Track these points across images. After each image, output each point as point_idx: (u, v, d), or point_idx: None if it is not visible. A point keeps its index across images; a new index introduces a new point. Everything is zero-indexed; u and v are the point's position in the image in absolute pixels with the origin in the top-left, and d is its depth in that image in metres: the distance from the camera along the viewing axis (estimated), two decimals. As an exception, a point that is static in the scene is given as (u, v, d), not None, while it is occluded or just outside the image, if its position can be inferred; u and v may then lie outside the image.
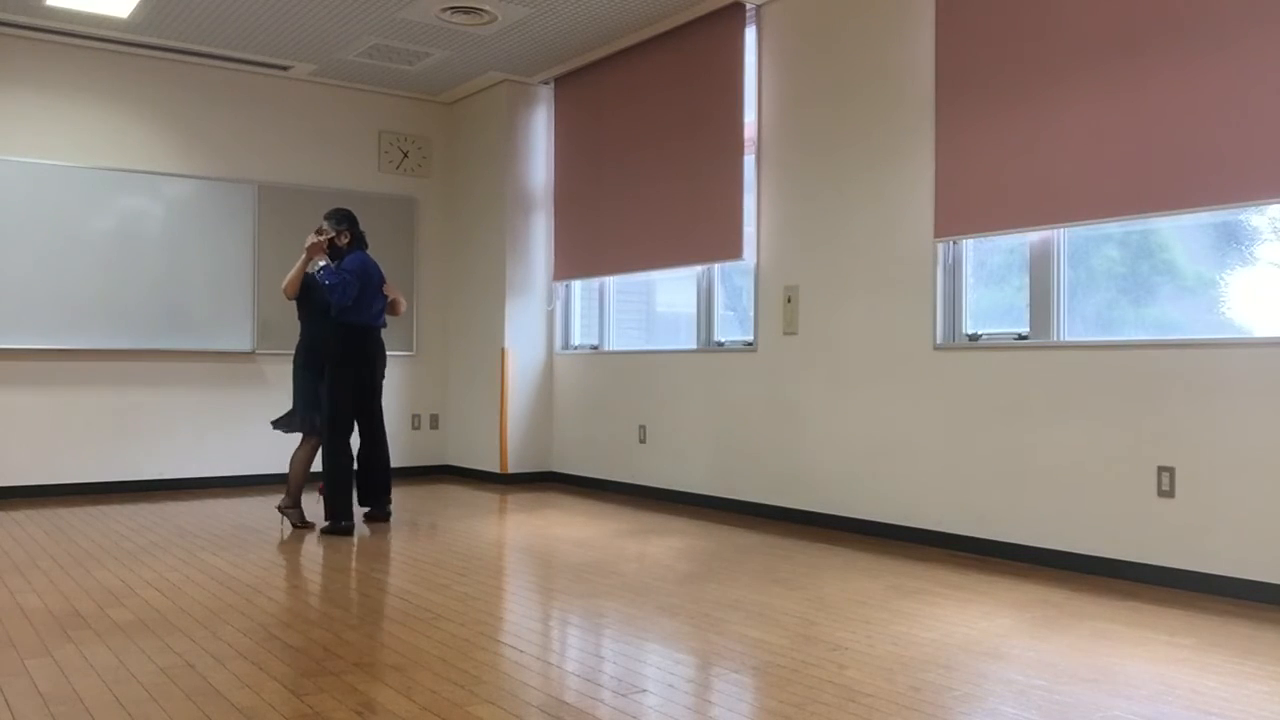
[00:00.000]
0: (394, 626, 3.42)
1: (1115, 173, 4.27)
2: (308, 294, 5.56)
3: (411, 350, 8.01)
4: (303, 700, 2.66)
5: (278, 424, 5.64)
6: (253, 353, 7.42)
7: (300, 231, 7.55)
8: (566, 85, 7.57)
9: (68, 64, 6.85)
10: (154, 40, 6.75)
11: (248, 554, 4.73)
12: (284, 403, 7.51)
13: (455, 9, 6.13)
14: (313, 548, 4.91)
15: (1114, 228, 4.44)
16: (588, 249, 7.30)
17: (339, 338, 5.46)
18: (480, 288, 7.83)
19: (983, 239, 4.87)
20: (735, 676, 2.89)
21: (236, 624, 3.45)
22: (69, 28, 6.50)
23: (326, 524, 5.37)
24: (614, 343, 7.39)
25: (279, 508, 5.52)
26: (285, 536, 5.25)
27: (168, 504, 6.42)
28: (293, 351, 7.36)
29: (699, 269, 6.55)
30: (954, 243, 5.03)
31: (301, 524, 5.49)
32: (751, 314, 6.09)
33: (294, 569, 4.39)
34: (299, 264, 5.48)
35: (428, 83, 7.73)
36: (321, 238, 5.48)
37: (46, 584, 4.07)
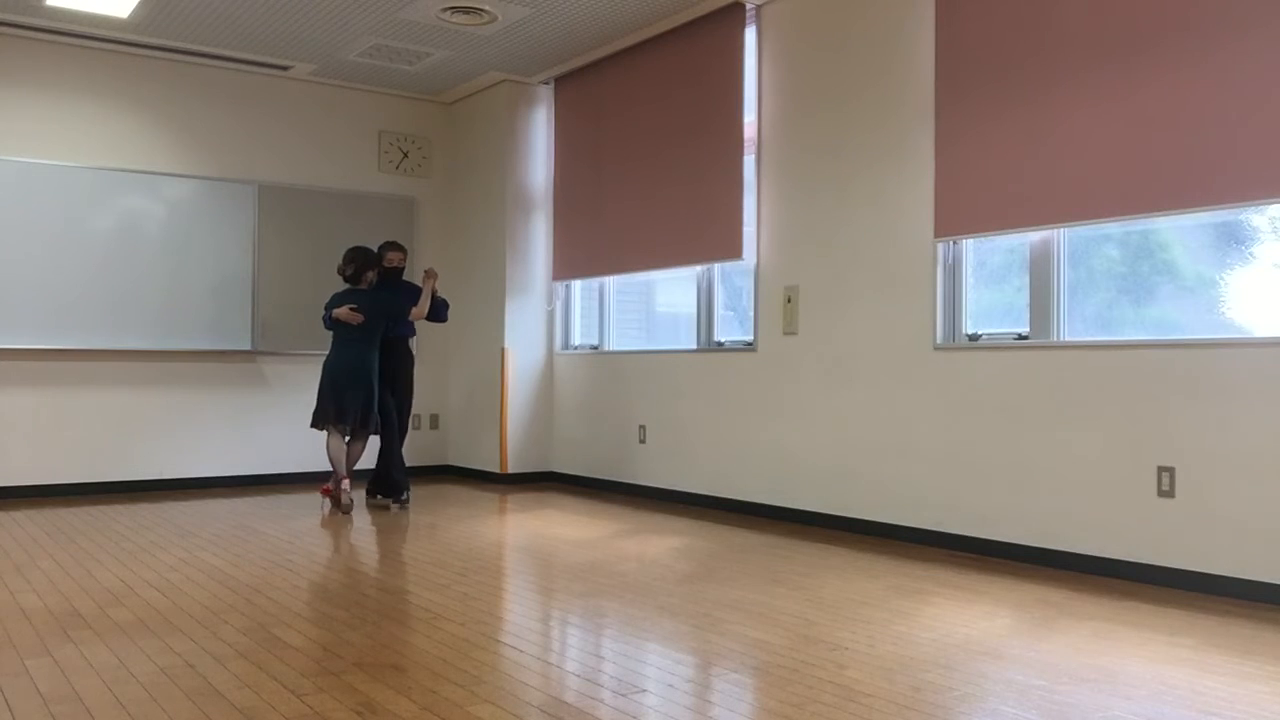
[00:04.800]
0: (394, 626, 3.42)
1: (1115, 173, 4.27)
2: (374, 319, 6.21)
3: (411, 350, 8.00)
4: (303, 700, 2.66)
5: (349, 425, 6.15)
6: (253, 353, 7.42)
7: (300, 231, 7.55)
8: (566, 85, 7.57)
9: (68, 64, 6.85)
10: (154, 40, 6.75)
11: (248, 554, 4.73)
12: (284, 402, 7.51)
13: (455, 9, 6.13)
14: (312, 548, 4.92)
15: (1114, 228, 4.44)
16: (588, 249, 7.30)
17: (407, 351, 6.51)
18: (480, 288, 7.83)
19: (983, 239, 4.87)
20: (735, 676, 2.89)
21: (236, 624, 3.45)
22: (69, 28, 6.50)
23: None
24: (614, 343, 7.39)
25: (345, 491, 6.12)
26: (326, 514, 6.02)
27: (168, 504, 6.43)
28: (296, 352, 7.46)
29: (699, 269, 6.55)
30: (954, 243, 5.03)
31: (339, 506, 6.19)
32: (751, 314, 6.09)
33: (294, 569, 4.39)
34: (428, 296, 6.38)
35: (428, 83, 7.73)
36: (434, 277, 6.48)
37: (46, 584, 4.07)
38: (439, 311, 6.53)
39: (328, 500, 6.47)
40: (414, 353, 6.63)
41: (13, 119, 6.68)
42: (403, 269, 6.52)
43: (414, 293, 6.45)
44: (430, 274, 6.43)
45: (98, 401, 6.91)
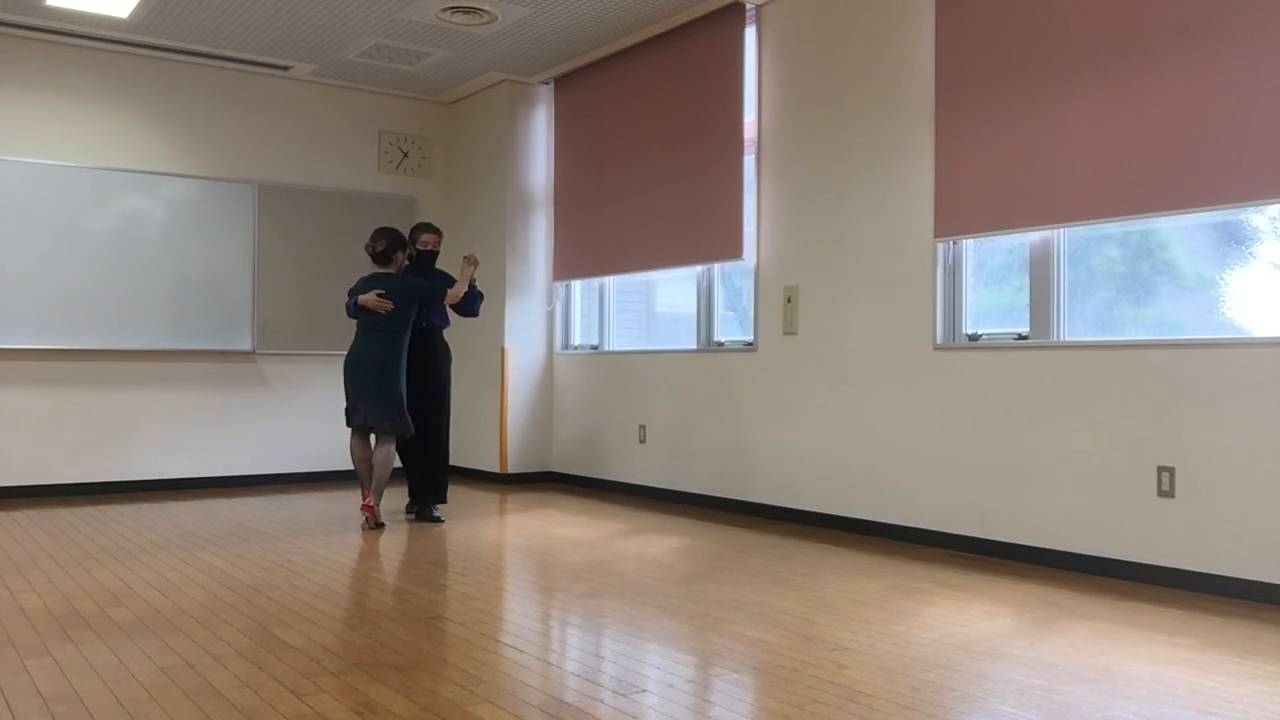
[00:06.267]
0: (394, 626, 3.42)
1: (1115, 173, 4.27)
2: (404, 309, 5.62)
3: (447, 343, 7.97)
4: (303, 700, 2.66)
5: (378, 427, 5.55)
6: (253, 353, 7.42)
7: (300, 231, 7.56)
8: (566, 85, 7.57)
9: (68, 64, 6.85)
10: (154, 40, 6.75)
11: (248, 554, 4.73)
12: (285, 402, 7.51)
13: (455, 9, 6.13)
14: (312, 548, 4.91)
15: (1114, 228, 4.44)
16: (588, 249, 7.30)
17: (443, 345, 5.96)
18: (480, 288, 7.82)
19: (983, 239, 4.87)
20: (735, 676, 2.89)
21: (236, 624, 3.45)
22: (69, 28, 6.50)
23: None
24: (614, 343, 7.39)
25: (373, 506, 5.50)
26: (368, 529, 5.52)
27: (168, 504, 6.43)
28: (296, 352, 7.44)
29: (699, 269, 6.55)
30: (954, 243, 5.03)
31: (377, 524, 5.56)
32: (751, 314, 6.09)
33: (294, 569, 4.39)
34: (465, 282, 5.76)
35: (428, 83, 7.73)
36: (474, 263, 5.84)
37: (46, 584, 4.07)
38: (472, 303, 5.86)
39: (368, 515, 5.55)
40: (450, 346, 6.04)
41: (13, 119, 6.68)
42: (437, 254, 5.95)
43: (449, 283, 5.90)
44: (471, 260, 5.79)
45: (98, 401, 6.91)
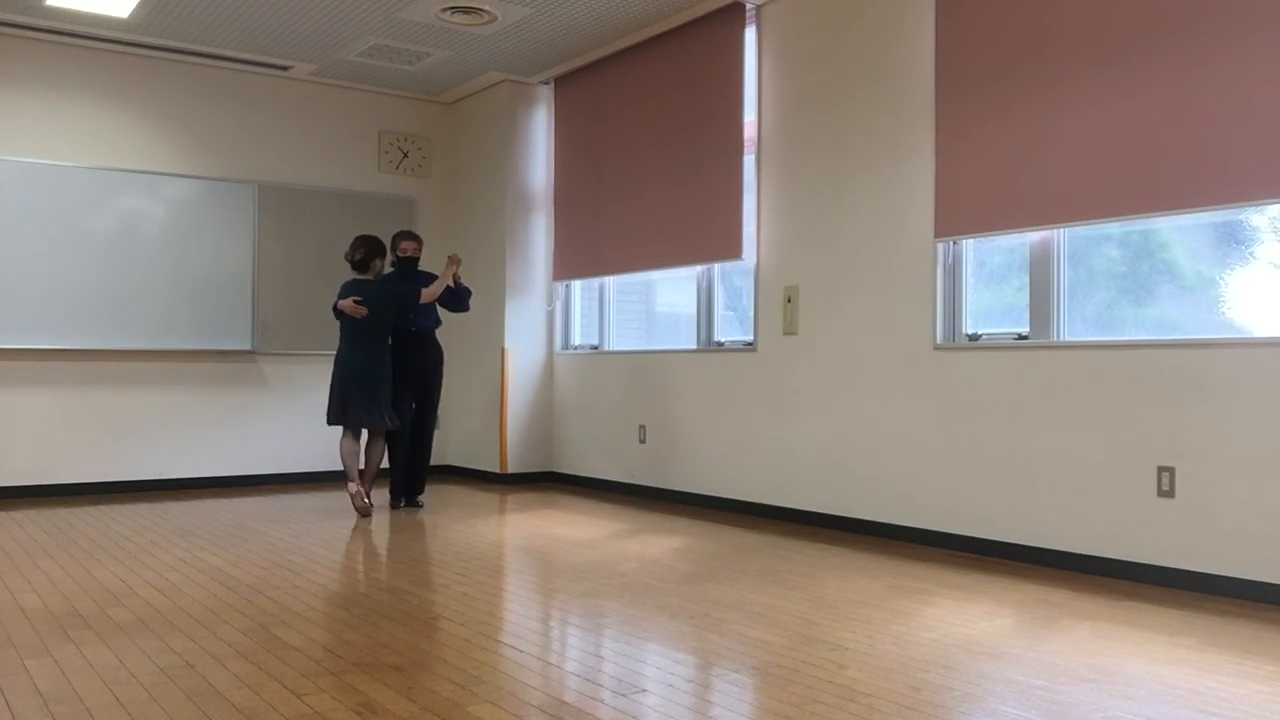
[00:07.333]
0: (394, 626, 3.42)
1: (1115, 173, 4.27)
2: (383, 313, 5.98)
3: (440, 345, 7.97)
4: (303, 700, 2.66)
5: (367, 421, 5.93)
6: (252, 353, 7.42)
7: (300, 231, 7.55)
8: (566, 85, 7.57)
9: (68, 64, 6.85)
10: (154, 40, 6.75)
11: (248, 554, 4.73)
12: (284, 402, 7.51)
13: (455, 9, 6.13)
14: (312, 548, 4.92)
15: (1114, 228, 4.44)
16: (588, 249, 7.30)
17: (435, 345, 6.27)
18: (480, 288, 7.83)
19: (983, 239, 4.87)
20: (735, 676, 2.89)
21: (236, 624, 3.45)
22: (69, 28, 6.50)
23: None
24: (614, 343, 7.39)
25: (356, 494, 5.86)
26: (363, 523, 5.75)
27: (168, 504, 6.43)
28: (296, 352, 7.45)
29: (699, 269, 6.55)
30: (954, 243, 5.03)
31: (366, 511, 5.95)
32: (751, 314, 6.09)
33: (294, 569, 4.39)
34: (444, 280, 6.08)
35: (428, 83, 7.73)
36: (456, 262, 6.17)
37: (46, 584, 4.07)
38: (460, 299, 6.22)
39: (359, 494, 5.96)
40: (443, 347, 6.35)
41: (13, 119, 6.68)
42: (418, 259, 6.25)
43: (429, 283, 6.17)
44: (453, 260, 6.12)
45: (98, 401, 6.91)
